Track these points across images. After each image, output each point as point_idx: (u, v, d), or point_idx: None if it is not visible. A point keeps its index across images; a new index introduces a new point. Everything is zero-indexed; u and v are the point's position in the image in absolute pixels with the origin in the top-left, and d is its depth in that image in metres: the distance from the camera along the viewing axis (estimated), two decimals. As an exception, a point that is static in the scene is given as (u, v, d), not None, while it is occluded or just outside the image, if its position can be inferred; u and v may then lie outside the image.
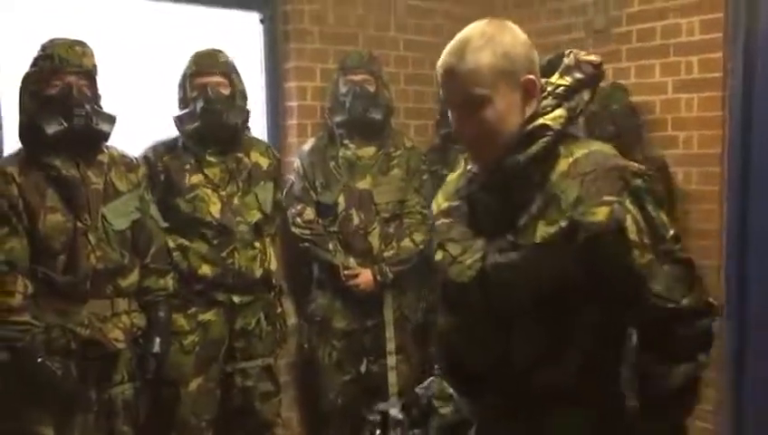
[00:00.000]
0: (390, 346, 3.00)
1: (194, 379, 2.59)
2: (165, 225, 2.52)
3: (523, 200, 1.36)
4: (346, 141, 2.99)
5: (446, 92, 1.39)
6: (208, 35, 2.92)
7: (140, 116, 2.78)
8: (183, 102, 2.63)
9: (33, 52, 2.23)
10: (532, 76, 1.36)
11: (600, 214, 1.30)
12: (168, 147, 2.65)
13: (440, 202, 1.56)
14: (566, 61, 1.40)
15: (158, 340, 2.38)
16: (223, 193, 2.62)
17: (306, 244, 2.97)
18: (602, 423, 1.41)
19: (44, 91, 2.18)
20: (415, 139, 3.28)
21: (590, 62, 1.40)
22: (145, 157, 2.60)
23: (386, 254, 2.97)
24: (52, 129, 2.15)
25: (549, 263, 1.32)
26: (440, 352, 1.54)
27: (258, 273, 2.66)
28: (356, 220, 2.96)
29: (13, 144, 2.33)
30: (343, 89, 2.99)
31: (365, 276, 2.95)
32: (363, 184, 2.98)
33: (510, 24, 1.41)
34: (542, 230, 1.33)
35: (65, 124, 2.16)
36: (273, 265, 2.73)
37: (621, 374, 1.47)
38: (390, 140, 3.06)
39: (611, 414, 1.43)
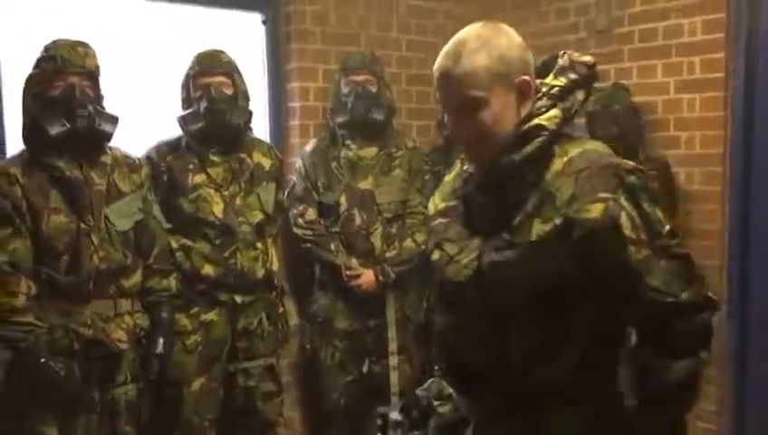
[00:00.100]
0: (392, 346, 3.00)
1: (197, 379, 2.60)
2: (168, 225, 2.53)
3: (519, 199, 1.37)
4: (348, 142, 2.99)
5: (443, 95, 1.41)
6: (211, 36, 2.93)
7: (143, 117, 2.79)
8: (186, 103, 2.64)
9: (36, 53, 2.23)
10: (527, 77, 1.38)
11: (595, 211, 1.31)
12: (170, 147, 2.66)
13: (437, 202, 1.57)
14: (560, 62, 1.42)
15: (161, 340, 2.38)
16: (225, 193, 2.63)
17: (308, 244, 2.97)
18: (599, 422, 1.42)
19: (47, 92, 2.18)
20: (417, 139, 3.28)
21: (584, 63, 1.42)
22: (148, 157, 2.61)
23: (388, 254, 2.98)
24: (55, 130, 2.16)
25: (545, 260, 1.33)
26: (438, 351, 1.55)
27: (260, 273, 2.66)
28: (358, 220, 2.96)
29: (16, 145, 2.34)
30: (345, 89, 2.99)
31: (367, 277, 2.95)
32: (365, 184, 2.98)
33: (505, 26, 1.42)
34: (538, 228, 1.34)
35: (68, 125, 2.17)
36: (275, 266, 2.74)
37: (619, 374, 1.48)
38: (392, 141, 3.06)
39: (608, 413, 1.43)
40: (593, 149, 1.39)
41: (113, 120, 2.27)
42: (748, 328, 3.06)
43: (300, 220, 2.98)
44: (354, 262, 2.96)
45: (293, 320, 3.05)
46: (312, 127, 3.28)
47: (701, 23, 3.09)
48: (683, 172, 3.19)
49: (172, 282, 2.46)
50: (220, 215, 2.60)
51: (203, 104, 2.56)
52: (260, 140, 2.86)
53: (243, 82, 2.66)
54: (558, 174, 1.35)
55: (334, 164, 2.99)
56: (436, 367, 1.61)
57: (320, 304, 3.03)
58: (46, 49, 2.22)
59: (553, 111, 1.38)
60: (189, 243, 2.58)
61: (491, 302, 1.39)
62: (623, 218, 1.31)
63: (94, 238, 2.23)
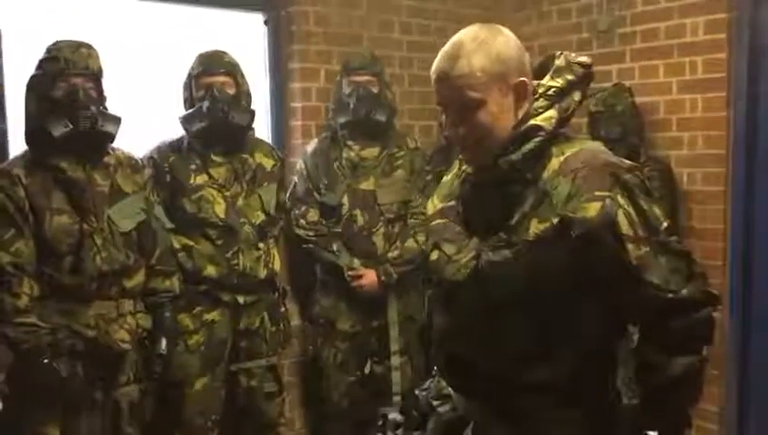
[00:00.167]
0: (395, 347, 3.00)
1: (199, 379, 2.61)
2: (170, 226, 2.54)
3: (516, 199, 1.38)
4: (349, 142, 2.99)
5: (440, 96, 1.42)
6: (213, 37, 2.94)
7: (145, 117, 2.80)
8: (189, 103, 2.64)
9: (39, 54, 2.23)
10: (524, 79, 1.39)
11: (592, 209, 1.31)
12: (173, 147, 2.66)
13: (436, 203, 1.58)
14: (557, 62, 1.43)
15: (163, 341, 2.39)
16: (227, 194, 2.63)
17: (310, 245, 2.97)
18: (596, 423, 1.42)
19: (50, 93, 2.18)
20: (419, 140, 3.28)
21: (580, 64, 1.43)
22: (151, 158, 2.62)
23: (390, 254, 2.97)
24: (58, 131, 2.16)
25: (542, 259, 1.34)
26: (436, 351, 1.56)
27: (263, 274, 2.67)
28: (360, 221, 2.96)
29: (19, 146, 2.34)
30: (347, 90, 2.99)
31: (369, 277, 2.95)
32: (367, 185, 2.98)
33: (502, 27, 1.43)
34: (535, 227, 1.35)
35: (71, 126, 2.17)
36: (278, 267, 2.74)
37: (619, 374, 1.49)
38: (394, 141, 3.06)
39: (606, 414, 1.44)
40: (589, 149, 1.40)
41: (116, 120, 2.27)
42: (750, 328, 3.06)
43: (301, 221, 2.98)
44: (356, 262, 2.96)
45: (294, 321, 3.05)
46: (313, 127, 3.28)
47: (703, 22, 3.09)
48: (685, 172, 3.19)
49: (175, 283, 2.47)
50: (222, 215, 2.60)
51: (205, 104, 2.56)
52: (262, 141, 2.86)
53: (245, 82, 2.67)
54: (555, 173, 1.36)
55: (336, 165, 2.99)
56: (434, 367, 1.62)
57: (322, 305, 3.03)
58: (49, 50, 2.22)
59: (550, 112, 1.39)
60: (191, 243, 2.59)
61: (489, 301, 1.40)
62: (620, 216, 1.32)
63: (97, 239, 2.23)
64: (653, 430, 1.40)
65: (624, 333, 1.48)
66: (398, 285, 2.99)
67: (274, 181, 2.75)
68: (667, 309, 1.34)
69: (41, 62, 2.22)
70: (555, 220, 1.33)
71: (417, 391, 1.64)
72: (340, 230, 2.97)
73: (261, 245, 2.67)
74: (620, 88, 3.18)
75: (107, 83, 2.30)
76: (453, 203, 1.53)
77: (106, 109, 2.28)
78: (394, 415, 1.65)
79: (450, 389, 1.55)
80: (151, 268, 2.40)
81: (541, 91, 1.41)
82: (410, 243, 2.99)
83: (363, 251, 2.97)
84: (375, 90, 2.98)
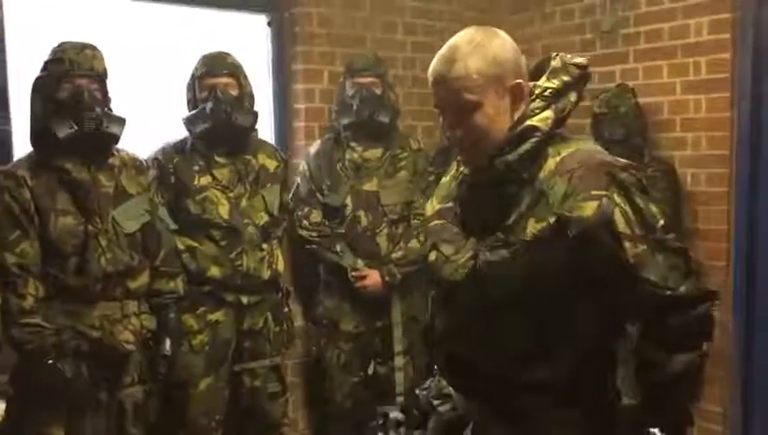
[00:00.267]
0: (398, 347, 3.00)
1: (203, 379, 2.62)
2: (174, 227, 2.55)
3: (513, 199, 1.39)
4: (353, 144, 3.00)
5: (437, 99, 1.44)
6: (216, 38, 2.95)
7: (150, 119, 2.80)
8: (192, 104, 2.65)
9: (44, 55, 2.24)
10: (520, 80, 1.40)
11: (588, 208, 1.32)
12: (177, 148, 2.67)
13: (434, 204, 1.59)
14: (553, 64, 1.44)
15: (167, 342, 2.39)
16: (231, 195, 2.64)
17: (313, 246, 2.98)
18: (596, 422, 1.42)
19: (55, 94, 2.19)
20: (422, 141, 3.28)
21: (576, 65, 1.44)
22: (155, 159, 2.63)
23: (394, 255, 2.98)
24: (63, 132, 2.17)
25: (540, 259, 1.35)
26: (436, 350, 1.57)
27: (266, 275, 2.67)
28: (363, 222, 2.97)
29: (24, 147, 2.35)
30: (350, 91, 3.00)
31: (373, 277, 2.95)
32: (370, 186, 2.98)
33: (498, 30, 1.45)
34: (532, 227, 1.36)
35: (76, 127, 2.17)
36: (281, 267, 2.75)
37: (619, 374, 1.49)
38: (397, 142, 3.06)
39: (605, 414, 1.44)
40: (585, 149, 1.41)
41: (121, 122, 2.28)
42: (754, 329, 3.05)
43: (305, 222, 2.98)
44: (360, 263, 2.97)
45: (298, 321, 3.06)
46: (317, 128, 3.28)
47: (707, 23, 3.09)
48: (689, 173, 3.19)
49: (179, 284, 2.47)
50: (226, 216, 2.61)
51: (208, 105, 2.57)
52: (265, 142, 2.87)
53: (248, 83, 2.68)
54: (551, 173, 1.37)
55: (339, 166, 2.99)
56: (435, 366, 1.62)
57: (325, 305, 3.03)
58: (54, 51, 2.22)
59: (546, 113, 1.40)
60: (195, 244, 2.60)
61: (487, 301, 1.40)
62: (617, 215, 1.33)
63: (102, 240, 2.24)
64: (654, 427, 1.41)
65: (623, 332, 1.48)
66: (401, 285, 2.99)
67: (278, 182, 2.76)
68: (666, 306, 1.34)
69: (46, 63, 2.23)
70: (552, 220, 1.34)
71: (417, 391, 1.65)
72: (343, 231, 2.97)
73: (264, 246, 2.68)
74: (624, 89, 3.18)
75: (111, 85, 2.31)
76: (451, 204, 1.54)
77: (111, 110, 2.28)
78: (395, 414, 1.66)
79: (450, 388, 1.55)
80: (156, 269, 2.41)
81: (537, 92, 1.43)
82: (414, 244, 3.00)
83: (367, 252, 2.97)
84: (378, 91, 2.98)
